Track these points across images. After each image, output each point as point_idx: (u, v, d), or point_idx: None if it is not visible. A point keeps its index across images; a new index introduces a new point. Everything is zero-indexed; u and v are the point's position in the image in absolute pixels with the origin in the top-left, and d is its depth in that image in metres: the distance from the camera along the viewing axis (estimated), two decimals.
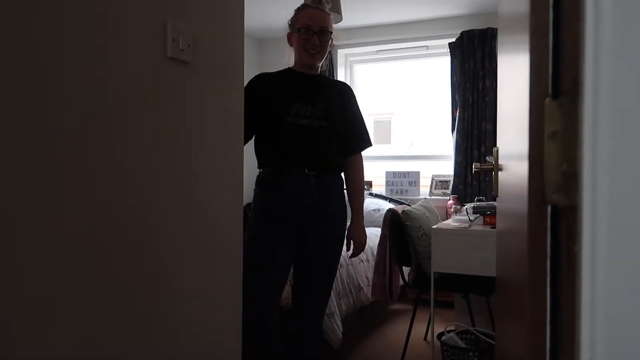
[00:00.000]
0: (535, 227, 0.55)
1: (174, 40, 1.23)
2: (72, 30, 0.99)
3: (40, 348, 0.94)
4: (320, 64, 1.96)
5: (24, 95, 0.90)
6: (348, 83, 4.55)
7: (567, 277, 0.51)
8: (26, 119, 0.90)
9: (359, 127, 2.04)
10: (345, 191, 2.02)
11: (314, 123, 1.86)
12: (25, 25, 0.90)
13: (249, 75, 1.97)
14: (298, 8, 1.96)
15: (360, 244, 2.02)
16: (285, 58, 2.03)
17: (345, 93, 2.02)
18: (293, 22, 1.93)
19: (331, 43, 1.95)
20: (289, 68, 2.00)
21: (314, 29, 1.86)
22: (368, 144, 2.06)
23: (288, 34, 1.97)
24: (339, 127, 1.93)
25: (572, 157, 0.49)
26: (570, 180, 0.50)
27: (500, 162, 1.16)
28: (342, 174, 2.02)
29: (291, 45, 1.96)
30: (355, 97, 2.06)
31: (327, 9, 1.95)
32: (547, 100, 0.52)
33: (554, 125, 0.51)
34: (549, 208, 0.54)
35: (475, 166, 1.42)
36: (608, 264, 0.45)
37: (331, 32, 1.92)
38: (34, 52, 0.91)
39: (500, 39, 1.25)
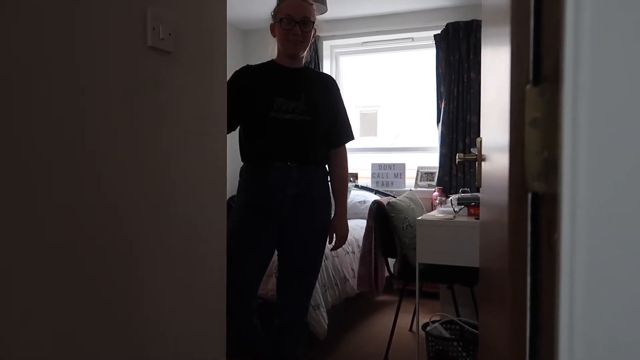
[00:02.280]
0: (515, 215, 0.55)
1: (154, 29, 1.21)
2: (46, 16, 0.96)
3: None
4: (304, 54, 1.95)
5: None
6: (334, 75, 4.57)
7: (547, 266, 0.51)
8: None
9: (343, 120, 2.03)
10: (329, 183, 2.02)
11: (297, 118, 1.86)
12: None
13: (235, 67, 1.95)
14: None
15: (342, 237, 2.02)
16: (269, 50, 2.01)
17: (329, 86, 2.01)
18: (276, 13, 1.92)
19: (314, 34, 1.94)
20: (272, 60, 1.98)
21: (296, 19, 1.84)
22: (351, 137, 2.06)
23: (271, 25, 1.96)
24: (322, 120, 1.92)
25: (553, 144, 0.48)
26: (551, 167, 0.49)
27: (483, 152, 1.16)
28: (327, 167, 2.01)
29: (274, 37, 1.95)
30: (339, 91, 2.06)
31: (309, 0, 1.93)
32: (528, 86, 0.52)
33: (534, 111, 0.50)
34: (530, 196, 0.54)
35: (458, 156, 1.42)
36: (587, 252, 0.45)
37: (313, 22, 1.90)
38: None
39: (484, 31, 1.24)
